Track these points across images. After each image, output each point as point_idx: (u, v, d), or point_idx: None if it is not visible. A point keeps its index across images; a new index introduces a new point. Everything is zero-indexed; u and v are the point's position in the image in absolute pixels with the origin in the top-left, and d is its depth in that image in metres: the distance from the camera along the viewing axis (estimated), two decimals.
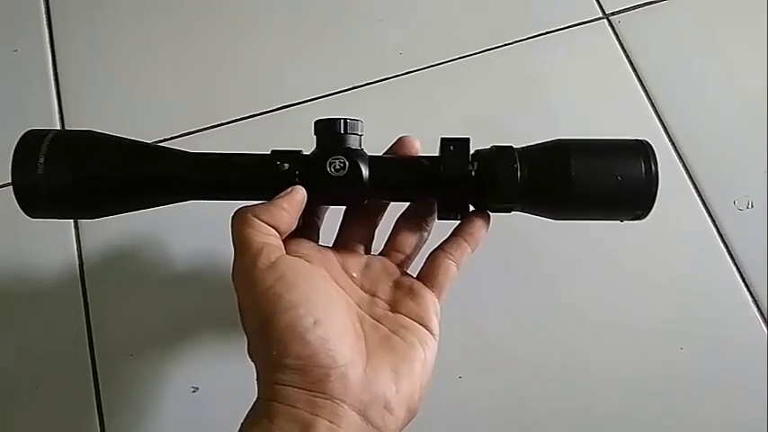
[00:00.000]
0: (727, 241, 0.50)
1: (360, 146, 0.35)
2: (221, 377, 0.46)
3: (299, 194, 0.33)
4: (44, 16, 0.57)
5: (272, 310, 0.28)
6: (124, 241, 0.50)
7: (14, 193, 0.33)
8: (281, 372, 0.27)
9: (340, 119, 0.34)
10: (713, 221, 0.50)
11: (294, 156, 0.34)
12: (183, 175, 0.34)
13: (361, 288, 0.34)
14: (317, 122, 0.35)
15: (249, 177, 0.34)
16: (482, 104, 0.54)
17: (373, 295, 0.34)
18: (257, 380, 0.29)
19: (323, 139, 0.35)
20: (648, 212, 0.34)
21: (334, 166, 0.33)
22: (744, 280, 0.49)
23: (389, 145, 0.37)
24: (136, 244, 0.50)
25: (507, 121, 0.53)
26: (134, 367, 0.47)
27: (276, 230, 0.31)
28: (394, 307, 0.34)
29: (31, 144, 0.33)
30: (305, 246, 0.34)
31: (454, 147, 0.34)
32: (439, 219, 0.36)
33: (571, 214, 0.35)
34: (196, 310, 0.48)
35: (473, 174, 0.34)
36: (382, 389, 0.28)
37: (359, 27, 0.57)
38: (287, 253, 0.32)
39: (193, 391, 0.46)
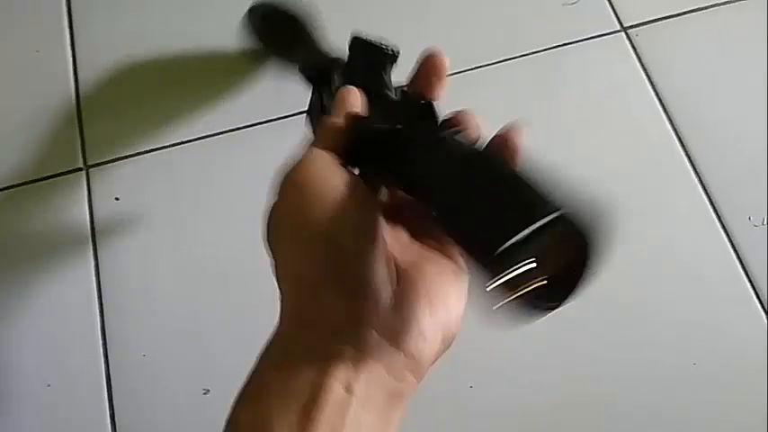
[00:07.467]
0: (741, 256, 0.50)
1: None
2: (232, 379, 0.45)
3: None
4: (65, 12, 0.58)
5: (345, 220, 0.26)
6: (139, 241, 0.50)
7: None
8: (323, 284, 0.25)
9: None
10: (728, 237, 0.50)
11: None
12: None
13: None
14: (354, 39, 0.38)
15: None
16: (497, 114, 0.53)
17: (397, 222, 0.30)
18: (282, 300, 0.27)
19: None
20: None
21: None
22: (757, 295, 0.49)
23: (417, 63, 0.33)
24: (151, 244, 0.50)
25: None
26: (146, 368, 0.47)
27: None
28: (418, 237, 0.30)
29: None
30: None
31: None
32: None
33: None
34: (208, 312, 0.48)
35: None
36: (416, 315, 0.26)
37: (372, 32, 0.57)
38: None
39: (204, 393, 0.46)
